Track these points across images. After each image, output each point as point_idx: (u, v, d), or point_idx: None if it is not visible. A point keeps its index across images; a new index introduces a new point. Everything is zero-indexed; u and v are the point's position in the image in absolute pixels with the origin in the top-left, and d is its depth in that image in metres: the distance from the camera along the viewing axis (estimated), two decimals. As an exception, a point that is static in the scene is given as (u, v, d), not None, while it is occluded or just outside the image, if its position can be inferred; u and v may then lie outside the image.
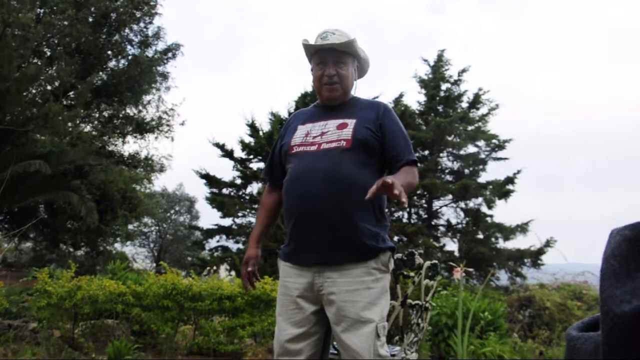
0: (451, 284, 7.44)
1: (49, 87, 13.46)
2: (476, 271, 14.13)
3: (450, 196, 17.41)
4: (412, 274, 3.09)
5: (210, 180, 17.50)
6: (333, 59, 2.21)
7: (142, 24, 15.44)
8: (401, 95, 20.34)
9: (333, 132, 2.13)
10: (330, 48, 2.20)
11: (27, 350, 5.46)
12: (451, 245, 16.88)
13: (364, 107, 2.24)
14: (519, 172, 16.06)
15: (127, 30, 15.25)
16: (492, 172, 21.58)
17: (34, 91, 13.29)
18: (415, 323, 3.04)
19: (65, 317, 5.94)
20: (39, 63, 13.38)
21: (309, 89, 21.65)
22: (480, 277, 14.22)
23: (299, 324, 2.02)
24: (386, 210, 2.15)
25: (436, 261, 3.11)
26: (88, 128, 15.34)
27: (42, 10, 13.62)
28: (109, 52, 15.45)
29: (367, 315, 1.93)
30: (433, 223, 17.63)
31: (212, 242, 17.28)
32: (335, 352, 2.15)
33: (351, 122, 2.14)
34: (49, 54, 14.23)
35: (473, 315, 5.84)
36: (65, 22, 12.98)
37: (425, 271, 3.05)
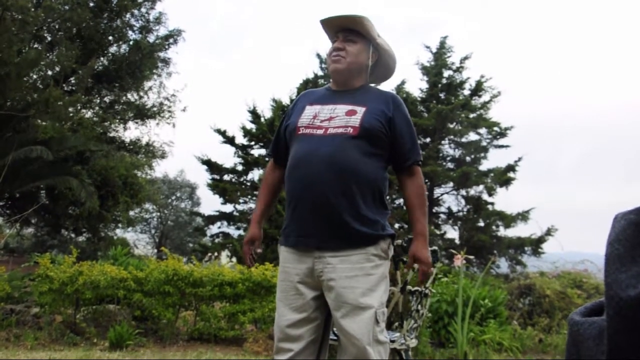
0: (452, 271, 7.46)
1: (49, 72, 13.41)
2: (476, 259, 14.17)
3: (451, 184, 17.41)
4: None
5: (212, 166, 17.48)
6: (344, 35, 2.23)
7: (143, 9, 15.35)
8: (403, 83, 20.25)
9: (342, 118, 2.11)
10: (343, 25, 2.22)
11: (29, 335, 5.49)
12: (452, 233, 16.90)
13: (375, 97, 2.20)
14: (519, 159, 16.03)
15: (128, 16, 15.17)
16: (493, 160, 21.58)
17: (34, 76, 13.25)
18: (415, 309, 3.05)
19: (67, 302, 5.97)
20: (40, 48, 13.30)
21: (311, 75, 21.57)
22: (481, 265, 14.26)
23: (299, 310, 2.02)
24: (387, 197, 2.14)
25: (436, 248, 3.10)
26: (89, 114, 15.31)
27: (41, -6, 13.53)
28: (110, 38, 15.38)
29: (366, 302, 1.94)
30: (434, 210, 17.62)
31: (214, 229, 17.33)
32: (335, 337, 2.14)
33: (360, 110, 2.11)
34: (49, 38, 14.16)
35: (473, 303, 5.86)
36: (66, 7, 12.90)
37: (426, 258, 3.04)
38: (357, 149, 2.04)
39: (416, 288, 3.03)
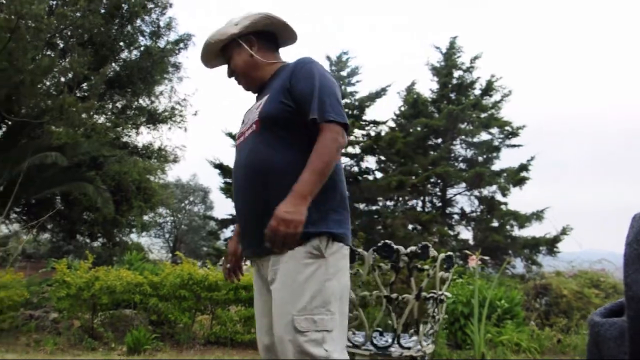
0: (466, 272, 7.43)
1: (62, 79, 13.55)
2: (491, 259, 14.08)
3: (464, 184, 17.34)
4: (426, 266, 3.08)
5: (224, 170, 17.54)
6: (225, 60, 2.10)
7: (153, 15, 15.45)
8: (413, 84, 20.23)
9: (253, 117, 1.93)
10: (215, 57, 2.10)
11: (49, 340, 5.56)
12: (466, 234, 16.83)
13: (282, 76, 1.92)
14: (532, 158, 15.92)
15: (138, 21, 15.28)
16: (505, 160, 21.46)
17: (48, 83, 13.39)
18: (431, 315, 3.05)
19: (84, 308, 6.03)
20: (53, 55, 13.45)
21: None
22: (496, 266, 14.18)
23: (268, 315, 1.89)
24: (340, 193, 1.85)
25: (451, 253, 3.10)
26: (102, 119, 15.43)
27: (54, 2, 13.69)
28: (121, 43, 15.50)
29: (285, 308, 1.72)
30: (447, 211, 17.57)
31: (227, 232, 17.39)
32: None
33: (263, 100, 1.91)
34: (62, 45, 14.30)
35: (489, 304, 5.83)
36: (78, 14, 13.01)
37: (440, 263, 3.04)
38: (263, 144, 1.83)
39: (431, 294, 3.03)
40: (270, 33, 2.06)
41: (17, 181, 9.95)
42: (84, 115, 12.59)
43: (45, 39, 12.10)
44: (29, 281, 7.05)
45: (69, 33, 14.04)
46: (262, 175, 1.80)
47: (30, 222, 14.07)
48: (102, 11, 13.99)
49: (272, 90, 1.89)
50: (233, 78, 2.10)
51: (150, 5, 14.98)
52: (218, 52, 2.08)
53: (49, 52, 13.58)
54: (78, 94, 13.74)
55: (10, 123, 13.21)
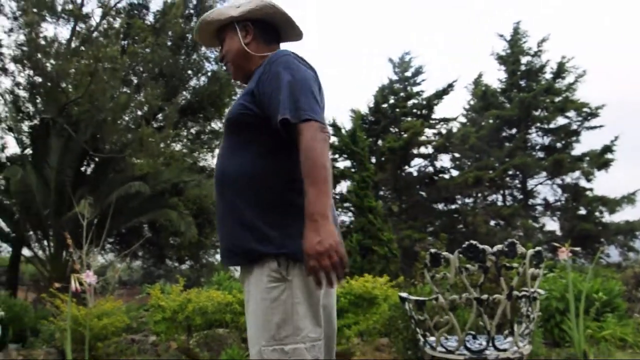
0: (557, 265, 7.12)
1: (139, 113, 14.30)
2: (583, 249, 13.44)
3: (544, 173, 16.69)
4: (515, 264, 2.99)
5: (299, 183, 17.82)
6: (219, 41, 1.93)
7: (216, 41, 16.01)
8: (480, 76, 19.77)
9: None
10: (209, 36, 1.94)
11: (150, 363, 5.85)
12: (552, 225, 16.17)
13: (255, 74, 1.72)
14: (616, 138, 15.09)
15: (203, 49, 15.89)
16: (586, 143, 20.37)
17: (126, 118, 14.16)
18: (525, 315, 2.96)
19: (180, 329, 6.29)
20: (128, 91, 14.25)
21: (386, 81, 21.50)
22: (588, 256, 13.51)
23: None
24: (292, 202, 1.58)
25: (540, 248, 3.00)
26: (179, 146, 16.14)
27: (125, 42, 14.49)
28: (190, 72, 16.18)
29: (254, 336, 1.58)
30: (530, 203, 16.95)
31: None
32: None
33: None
34: (135, 81, 15.12)
35: (586, 297, 5.55)
36: (147, 50, 13.72)
37: (530, 260, 2.95)
38: (228, 150, 1.69)
39: (523, 293, 2.94)
40: (271, 24, 1.88)
41: (109, 213, 10.56)
42: (161, 145, 13.24)
43: (120, 77, 12.83)
44: (128, 307, 7.45)
45: (140, 69, 14.82)
46: (225, 184, 1.67)
47: (123, 251, 14.88)
48: (169, 44, 14.68)
49: (243, 92, 1.72)
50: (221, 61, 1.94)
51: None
52: (214, 31, 1.92)
53: (125, 89, 14.39)
54: (154, 125, 14.46)
55: (97, 160, 14.07)
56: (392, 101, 21.06)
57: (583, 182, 15.61)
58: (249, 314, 1.60)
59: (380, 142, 20.00)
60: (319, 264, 1.38)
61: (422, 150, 20.59)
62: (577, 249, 9.65)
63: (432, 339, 3.06)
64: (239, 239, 1.57)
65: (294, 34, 1.94)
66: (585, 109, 16.75)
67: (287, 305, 1.52)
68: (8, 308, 8.74)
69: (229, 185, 1.63)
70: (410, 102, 21.12)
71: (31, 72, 13.33)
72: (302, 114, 1.51)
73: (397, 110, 20.63)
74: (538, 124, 17.77)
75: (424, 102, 20.96)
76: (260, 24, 1.84)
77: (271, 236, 1.55)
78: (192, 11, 16.11)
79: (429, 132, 20.78)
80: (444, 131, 20.35)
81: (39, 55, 12.12)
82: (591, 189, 15.32)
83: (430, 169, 20.43)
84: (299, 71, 1.62)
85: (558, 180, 16.58)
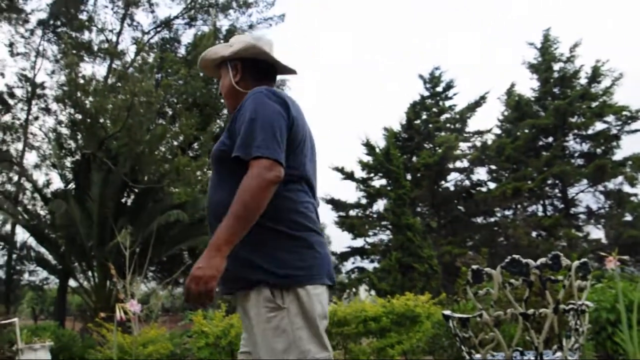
0: (605, 274, 6.91)
1: (175, 143, 14.63)
2: (631, 257, 13.01)
3: (584, 181, 16.30)
4: (560, 277, 2.93)
5: (336, 204, 17.86)
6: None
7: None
8: (512, 86, 19.56)
9: None
10: (209, 70, 2.10)
11: (196, 390, 5.89)
12: (596, 233, 15.72)
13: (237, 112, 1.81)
14: (660, 141, 14.65)
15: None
16: (627, 147, 19.81)
17: (163, 149, 14.51)
18: (573, 328, 2.88)
19: (223, 355, 6.33)
20: (164, 123, 14.63)
21: (417, 97, 21.48)
22: (638, 264, 13.06)
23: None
24: (288, 229, 1.66)
25: (586, 259, 2.93)
26: (214, 174, 16.39)
27: (159, 75, 14.93)
28: (222, 101, 16.52)
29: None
30: (572, 212, 16.55)
31: (348, 265, 17.60)
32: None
33: None
34: (170, 112, 15.52)
35: (638, 307, 5.36)
36: (181, 82, 14.09)
37: (575, 272, 2.88)
38: (215, 182, 1.80)
39: (571, 306, 2.86)
40: (264, 61, 1.97)
41: (150, 242, 10.78)
42: (198, 173, 13.49)
43: (156, 110, 13.20)
44: (172, 334, 7.56)
45: (175, 100, 15.22)
46: (213, 215, 1.75)
47: (164, 279, 15.12)
48: (201, 74, 15.05)
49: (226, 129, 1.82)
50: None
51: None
52: (213, 68, 2.06)
53: (160, 121, 14.78)
54: (190, 154, 14.77)
55: (137, 190, 14.43)
56: (424, 117, 20.98)
57: (627, 188, 15.20)
58: (255, 345, 1.65)
59: (414, 158, 19.90)
60: (188, 285, 1.51)
61: (458, 164, 20.39)
62: (625, 257, 9.33)
63: (478, 356, 3.01)
64: (228, 267, 1.57)
65: (286, 70, 2.04)
66: (624, 113, 16.35)
67: (289, 333, 1.58)
68: (57, 338, 8.98)
69: (217, 217, 1.66)
70: (443, 117, 21.00)
71: (72, 110, 13.87)
72: (252, 152, 1.58)
73: (430, 125, 20.53)
74: (575, 131, 17.42)
75: (457, 116, 20.81)
76: (250, 62, 1.94)
77: (256, 264, 1.61)
78: (222, 41, 16.52)
79: (463, 146, 20.60)
80: (478, 144, 20.14)
81: (79, 94, 12.59)
82: (635, 194, 14.87)
83: (467, 182, 20.19)
84: (265, 108, 1.68)
85: (600, 187, 16.16)
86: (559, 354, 2.91)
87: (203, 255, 1.53)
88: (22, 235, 16.90)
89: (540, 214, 17.30)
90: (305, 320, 1.60)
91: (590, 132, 17.10)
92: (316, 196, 1.83)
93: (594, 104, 16.73)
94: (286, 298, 1.60)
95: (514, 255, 2.83)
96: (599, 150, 16.85)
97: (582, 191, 16.61)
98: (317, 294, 1.65)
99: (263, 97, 1.71)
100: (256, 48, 1.92)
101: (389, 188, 16.38)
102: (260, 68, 1.96)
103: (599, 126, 16.87)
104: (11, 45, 16.44)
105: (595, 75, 17.18)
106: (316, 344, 1.61)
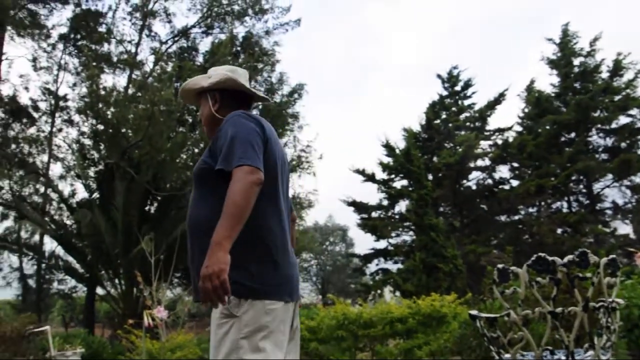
0: (634, 270, 6.78)
1: (196, 150, 14.77)
2: (660, 252, 12.73)
3: (610, 176, 16.04)
4: (588, 274, 2.89)
5: (358, 206, 17.85)
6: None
7: (265, 74, 16.42)
8: (532, 82, 19.36)
9: None
10: (186, 95, 2.26)
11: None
12: (624, 228, 15.46)
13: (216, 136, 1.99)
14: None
15: (253, 82, 16.33)
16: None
17: (184, 156, 14.66)
18: (605, 326, 2.84)
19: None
20: (184, 130, 14.77)
21: (436, 97, 21.37)
22: (667, 258, 12.78)
23: None
24: (263, 242, 1.81)
25: (614, 256, 2.89)
26: (236, 180, 16.50)
27: (178, 84, 15.10)
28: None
29: None
30: (597, 207, 16.30)
31: (372, 266, 17.58)
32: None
33: None
34: (190, 120, 15.66)
35: (669, 303, 5.26)
36: (200, 89, 14.22)
37: (604, 268, 2.84)
38: (194, 201, 1.95)
39: (601, 303, 2.83)
40: (240, 91, 2.16)
41: (175, 248, 10.89)
42: (219, 180, 13.61)
43: (176, 118, 13.35)
44: (199, 339, 7.62)
45: (194, 107, 15.36)
46: (191, 228, 1.90)
47: (190, 285, 15.21)
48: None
49: (206, 149, 2.00)
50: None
51: (260, 66, 15.94)
52: (194, 97, 2.23)
53: (180, 129, 14.93)
54: (211, 161, 14.89)
55: (159, 198, 14.59)
56: (444, 116, 20.87)
57: (654, 181, 14.87)
58: (210, 347, 1.78)
59: (435, 158, 19.79)
60: (203, 286, 1.57)
61: (479, 162, 20.23)
62: (655, 252, 9.15)
63: (507, 356, 2.98)
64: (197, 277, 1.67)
65: (260, 98, 2.29)
66: (649, 105, 16.07)
67: (233, 341, 1.70)
68: (87, 345, 9.13)
69: (195, 230, 1.86)
70: (462, 116, 20.86)
71: (94, 121, 14.10)
72: (234, 162, 1.74)
73: (450, 125, 20.40)
74: (598, 125, 17.16)
75: (477, 115, 20.65)
76: (227, 92, 2.14)
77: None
78: (239, 48, 16.64)
79: (484, 144, 20.43)
80: (499, 142, 19.95)
81: (100, 105, 12.80)
82: (663, 188, 14.56)
83: (489, 181, 20.00)
84: (242, 126, 1.86)
85: (626, 182, 15.88)
86: (590, 352, 2.87)
87: (207, 254, 1.61)
88: (50, 245, 17.24)
89: (565, 210, 17.07)
90: (252, 330, 1.71)
91: (614, 126, 16.83)
92: (287, 214, 1.99)
93: (616, 98, 16.47)
94: (242, 307, 1.73)
95: (540, 254, 2.81)
96: (623, 145, 16.57)
97: (608, 186, 16.36)
98: (273, 309, 1.77)
99: (240, 118, 1.91)
100: (232, 80, 2.12)
101: (410, 189, 16.30)
102: (237, 97, 2.15)
103: (623, 120, 16.62)
104: (34, 60, 16.83)
105: (617, 68, 16.90)
106: (256, 355, 1.70)
